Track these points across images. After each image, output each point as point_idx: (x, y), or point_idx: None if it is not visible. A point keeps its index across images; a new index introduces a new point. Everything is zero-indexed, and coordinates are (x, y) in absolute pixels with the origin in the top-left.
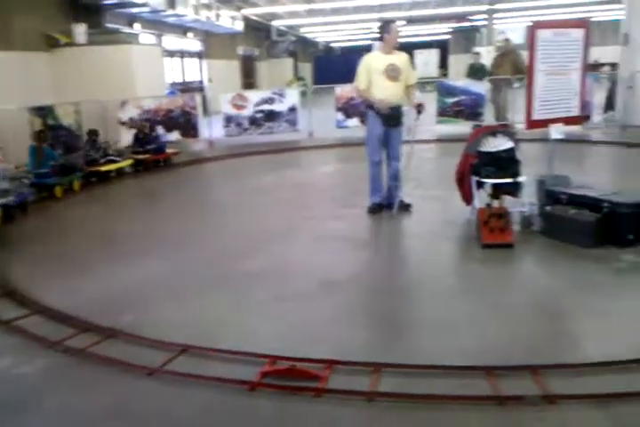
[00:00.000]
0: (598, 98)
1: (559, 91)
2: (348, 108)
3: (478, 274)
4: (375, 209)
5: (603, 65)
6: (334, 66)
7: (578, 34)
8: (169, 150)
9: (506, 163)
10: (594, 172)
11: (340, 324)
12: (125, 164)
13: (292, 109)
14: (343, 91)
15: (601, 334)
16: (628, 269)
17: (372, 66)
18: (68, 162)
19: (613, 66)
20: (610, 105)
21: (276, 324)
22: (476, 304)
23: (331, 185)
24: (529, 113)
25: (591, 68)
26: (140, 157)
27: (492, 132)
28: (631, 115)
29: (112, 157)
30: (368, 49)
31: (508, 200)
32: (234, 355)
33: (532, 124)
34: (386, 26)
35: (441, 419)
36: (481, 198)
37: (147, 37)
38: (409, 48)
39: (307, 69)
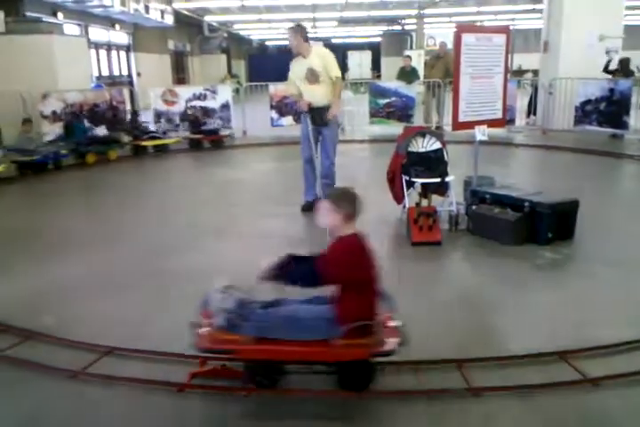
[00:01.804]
0: (521, 103)
1: (483, 94)
2: (282, 107)
3: (408, 271)
4: (308, 207)
5: (526, 71)
6: (269, 64)
7: (499, 39)
8: (222, 133)
9: (434, 163)
10: (517, 173)
11: None
12: (170, 141)
13: (225, 106)
14: (277, 89)
15: (522, 328)
16: (546, 266)
17: (295, 72)
18: (109, 135)
19: (536, 72)
20: (532, 109)
21: None
22: (406, 300)
23: (266, 183)
24: (455, 115)
25: (515, 74)
26: (193, 136)
27: (422, 132)
28: (551, 119)
29: (154, 135)
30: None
31: (436, 199)
32: (162, 356)
33: (459, 125)
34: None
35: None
36: (411, 198)
37: (71, 28)
38: (342, 49)
39: (241, 67)
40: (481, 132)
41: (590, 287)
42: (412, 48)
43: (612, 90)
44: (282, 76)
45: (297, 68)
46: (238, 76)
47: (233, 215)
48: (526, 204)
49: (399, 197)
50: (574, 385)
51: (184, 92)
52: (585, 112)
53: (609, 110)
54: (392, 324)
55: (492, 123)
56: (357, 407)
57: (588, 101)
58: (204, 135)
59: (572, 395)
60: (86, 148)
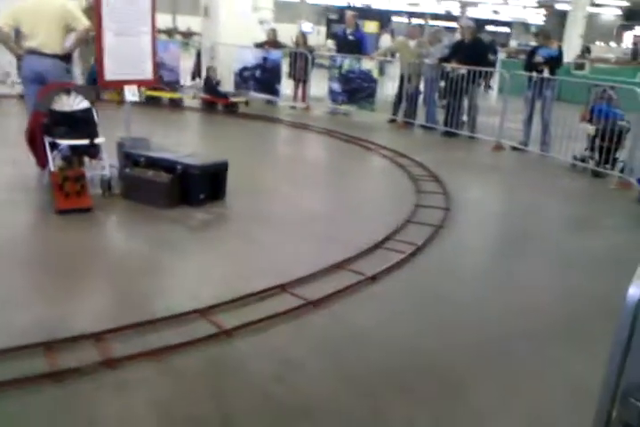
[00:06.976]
0: (185, 65)
1: (131, 52)
2: None
3: (53, 242)
4: None
5: (194, 34)
6: None
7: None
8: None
9: (82, 123)
10: (177, 135)
11: None
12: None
13: None
14: None
15: (168, 290)
16: (198, 227)
17: None
18: None
19: None
20: (197, 72)
21: None
22: (65, 276)
23: None
24: (101, 72)
25: (183, 35)
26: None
27: (66, 89)
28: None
29: None
30: None
31: (87, 163)
32: None
33: (106, 83)
34: None
35: None
36: (57, 161)
37: None
38: None
39: None
40: (131, 93)
41: (237, 245)
42: None
43: (265, 59)
44: None
45: None
46: None
47: None
48: (179, 166)
49: (42, 160)
50: (211, 339)
51: None
52: (243, 78)
53: (263, 78)
54: None
55: (141, 83)
56: None
57: (245, 68)
58: None
59: (207, 349)
60: None
